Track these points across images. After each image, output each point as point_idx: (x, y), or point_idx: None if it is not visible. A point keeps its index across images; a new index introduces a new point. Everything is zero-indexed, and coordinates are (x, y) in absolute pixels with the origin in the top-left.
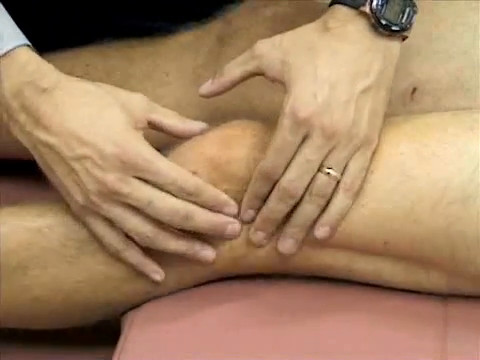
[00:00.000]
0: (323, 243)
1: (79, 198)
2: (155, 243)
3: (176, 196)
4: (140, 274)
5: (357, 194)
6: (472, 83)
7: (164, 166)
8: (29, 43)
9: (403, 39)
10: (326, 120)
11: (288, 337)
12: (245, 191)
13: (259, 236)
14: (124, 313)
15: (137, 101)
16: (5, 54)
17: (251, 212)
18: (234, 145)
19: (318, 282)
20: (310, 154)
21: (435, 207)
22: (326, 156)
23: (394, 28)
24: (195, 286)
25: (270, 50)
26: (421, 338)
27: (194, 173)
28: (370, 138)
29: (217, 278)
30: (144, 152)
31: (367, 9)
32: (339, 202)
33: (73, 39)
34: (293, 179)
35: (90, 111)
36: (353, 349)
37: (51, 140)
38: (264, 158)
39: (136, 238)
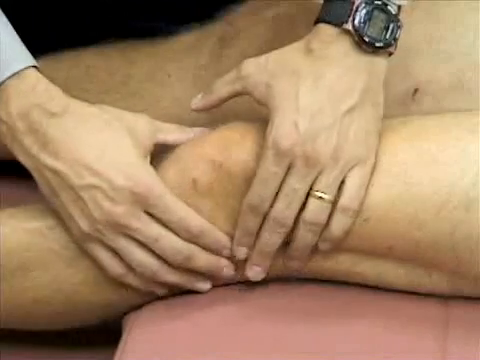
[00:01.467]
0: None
1: (84, 225)
2: (156, 275)
3: (179, 235)
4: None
5: (358, 212)
6: (473, 84)
7: (173, 204)
8: (37, 65)
9: (389, 55)
10: (308, 149)
11: (288, 338)
12: (243, 193)
13: (256, 271)
14: (125, 314)
15: (143, 125)
16: (13, 75)
17: (244, 250)
18: (234, 148)
19: (319, 283)
20: (295, 183)
21: (439, 212)
22: (314, 182)
23: (378, 45)
24: None
25: (256, 71)
26: (422, 339)
27: (194, 180)
28: (361, 157)
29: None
30: (155, 187)
31: (350, 27)
32: (338, 222)
33: (74, 40)
34: (282, 209)
35: (100, 139)
36: (354, 350)
37: (59, 166)
38: (250, 192)
39: (138, 270)
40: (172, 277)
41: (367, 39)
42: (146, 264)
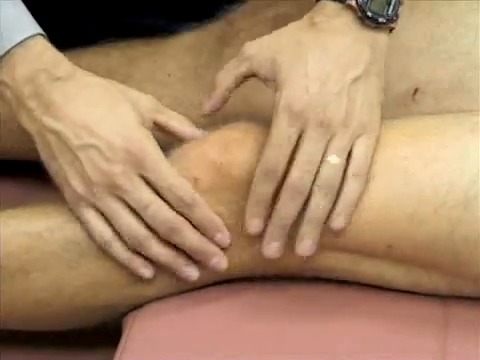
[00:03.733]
0: (326, 246)
1: (79, 188)
2: (143, 245)
3: (172, 206)
4: (141, 279)
5: (366, 180)
6: (473, 84)
7: (169, 170)
8: (44, 33)
9: (390, 30)
10: (320, 112)
11: (288, 337)
12: (244, 194)
13: (273, 247)
14: (125, 314)
15: (146, 101)
16: (21, 42)
17: (257, 221)
18: (235, 148)
19: (318, 283)
20: (310, 147)
21: (438, 211)
22: (326, 147)
23: (380, 20)
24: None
25: (259, 50)
26: (422, 339)
27: (196, 179)
28: (368, 126)
29: (221, 280)
30: (152, 151)
31: (353, 2)
32: (349, 189)
33: (74, 39)
34: (299, 175)
35: (102, 105)
36: (354, 350)
37: (59, 127)
38: (263, 157)
39: (126, 237)
40: (158, 250)
41: (370, 14)
42: (134, 230)
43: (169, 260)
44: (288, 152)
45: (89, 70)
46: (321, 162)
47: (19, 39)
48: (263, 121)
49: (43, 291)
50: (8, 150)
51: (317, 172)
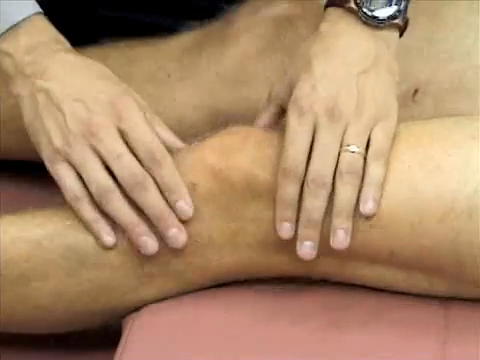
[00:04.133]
0: (326, 252)
1: (56, 141)
2: (107, 199)
3: (142, 157)
4: (141, 284)
5: (387, 162)
6: (473, 84)
7: (146, 125)
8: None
9: (401, 28)
10: (330, 103)
11: (287, 338)
12: (244, 200)
13: (307, 248)
14: (125, 315)
15: (140, 99)
16: (25, 19)
17: (287, 225)
18: (234, 154)
19: (319, 285)
20: (325, 139)
21: (442, 220)
22: (343, 137)
23: (381, 17)
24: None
25: (280, 84)
26: (422, 341)
27: (194, 184)
28: (382, 113)
29: (219, 283)
30: (135, 107)
31: (352, 4)
32: (373, 173)
33: (73, 38)
34: (318, 168)
35: (96, 76)
36: (353, 351)
37: (50, 85)
38: (282, 158)
39: (93, 188)
40: (120, 206)
41: (370, 13)
42: (101, 179)
43: (130, 221)
44: (304, 149)
45: None
46: (340, 153)
47: (26, 15)
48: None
49: (43, 298)
50: (8, 150)
51: (338, 163)
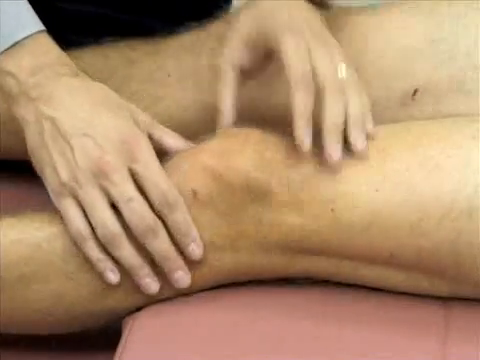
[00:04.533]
0: (325, 252)
1: (64, 174)
2: (114, 242)
3: (153, 199)
4: (140, 287)
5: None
6: (473, 84)
7: (159, 167)
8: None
9: None
10: (308, 32)
11: (288, 338)
12: (243, 203)
13: (336, 150)
14: (125, 316)
15: (143, 115)
16: (28, 36)
17: (306, 140)
18: (234, 157)
19: (319, 285)
20: (320, 52)
21: (442, 221)
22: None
23: None
24: None
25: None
26: (422, 341)
27: (194, 191)
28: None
29: (221, 284)
30: (146, 146)
31: None
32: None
33: (72, 39)
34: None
35: (103, 104)
36: (353, 351)
37: (57, 115)
38: (287, 70)
39: (99, 231)
40: (127, 251)
41: None
42: (108, 224)
43: (135, 265)
44: (306, 58)
45: (88, 70)
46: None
47: (29, 32)
48: (265, 121)
49: (43, 300)
50: (8, 150)
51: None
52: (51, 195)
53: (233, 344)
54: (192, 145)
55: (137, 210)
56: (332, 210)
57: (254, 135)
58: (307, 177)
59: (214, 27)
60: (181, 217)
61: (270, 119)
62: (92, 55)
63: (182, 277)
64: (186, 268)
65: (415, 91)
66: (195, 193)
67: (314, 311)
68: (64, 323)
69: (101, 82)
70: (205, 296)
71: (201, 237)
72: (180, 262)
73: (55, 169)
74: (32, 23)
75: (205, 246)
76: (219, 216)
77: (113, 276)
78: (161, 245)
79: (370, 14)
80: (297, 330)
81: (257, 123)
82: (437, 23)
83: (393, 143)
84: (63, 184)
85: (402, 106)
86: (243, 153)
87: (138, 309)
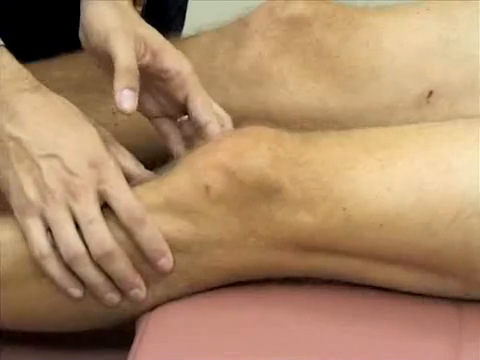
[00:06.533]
0: (336, 251)
1: (32, 194)
2: (76, 260)
3: (120, 217)
4: (152, 283)
5: None
6: None
7: (124, 185)
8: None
9: None
10: None
11: (300, 339)
12: (255, 201)
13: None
14: (139, 315)
15: (103, 130)
16: None
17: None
18: (247, 155)
19: (332, 286)
20: None
21: (453, 221)
22: None
23: None
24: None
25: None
26: (435, 342)
27: (207, 187)
28: None
29: (232, 282)
30: (113, 166)
31: None
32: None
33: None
34: None
35: (67, 119)
36: (365, 352)
37: (23, 136)
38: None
39: (62, 250)
40: (89, 269)
41: None
42: (71, 242)
43: (96, 283)
44: None
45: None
46: None
47: None
48: (275, 121)
49: (55, 295)
50: None
51: None
52: (16, 213)
53: (246, 343)
54: (143, 172)
55: (97, 232)
56: (344, 209)
57: (267, 133)
58: (319, 176)
59: (229, 28)
60: (150, 233)
61: (280, 119)
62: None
63: (136, 293)
64: (142, 284)
65: (430, 93)
66: (208, 189)
67: (325, 310)
68: (76, 321)
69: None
70: (218, 295)
71: (211, 233)
72: (137, 281)
73: (21, 188)
74: None
75: (216, 244)
76: (231, 213)
77: (77, 292)
78: (117, 269)
79: (385, 15)
80: (308, 329)
81: (269, 122)
82: (451, 24)
83: (405, 143)
84: (30, 203)
85: (417, 108)
86: (256, 151)
87: (152, 309)
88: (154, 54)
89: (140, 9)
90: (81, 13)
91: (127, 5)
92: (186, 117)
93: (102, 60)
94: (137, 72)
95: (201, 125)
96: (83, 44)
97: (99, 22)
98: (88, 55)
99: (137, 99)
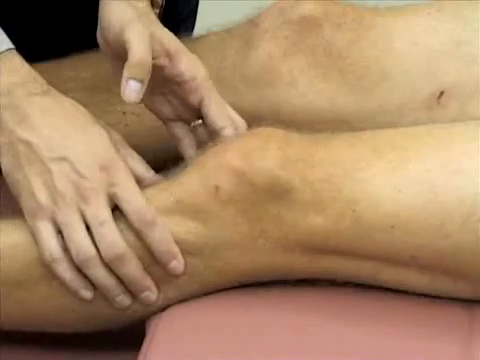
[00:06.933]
0: (347, 253)
1: (42, 198)
2: (87, 263)
3: (131, 220)
4: (163, 284)
5: None
6: None
7: (135, 187)
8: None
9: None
10: None
11: (310, 340)
12: (265, 202)
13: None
14: (149, 316)
15: (114, 133)
16: None
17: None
18: (257, 156)
19: (341, 287)
20: None
21: (464, 223)
22: None
23: None
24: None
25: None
26: (445, 344)
27: (216, 187)
28: None
29: (242, 283)
30: (123, 168)
31: None
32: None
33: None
34: None
35: (77, 122)
36: (374, 354)
37: (32, 138)
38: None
39: (73, 253)
40: (101, 272)
41: None
42: (82, 245)
43: (107, 285)
44: None
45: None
46: None
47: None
48: (286, 122)
49: (66, 297)
50: None
51: None
52: (26, 216)
53: (257, 344)
54: (151, 174)
55: (107, 234)
56: (354, 211)
57: (277, 134)
58: (329, 177)
59: (239, 28)
60: (160, 236)
61: (290, 120)
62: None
63: (148, 295)
64: (153, 286)
65: (440, 94)
66: (217, 189)
67: (336, 312)
68: (88, 321)
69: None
70: (228, 296)
71: (221, 235)
72: (147, 283)
73: (32, 191)
74: (1, 41)
75: (226, 245)
76: (241, 214)
77: (88, 294)
78: (128, 271)
79: (396, 15)
80: (320, 331)
81: (279, 123)
82: (462, 25)
83: (416, 145)
84: (41, 206)
85: (427, 109)
86: (266, 151)
87: (162, 309)
88: (170, 57)
89: (157, 11)
90: (99, 13)
91: (145, 6)
92: (200, 121)
93: (118, 58)
94: (149, 65)
95: (216, 130)
96: (100, 45)
97: (117, 18)
98: (104, 56)
99: (143, 92)
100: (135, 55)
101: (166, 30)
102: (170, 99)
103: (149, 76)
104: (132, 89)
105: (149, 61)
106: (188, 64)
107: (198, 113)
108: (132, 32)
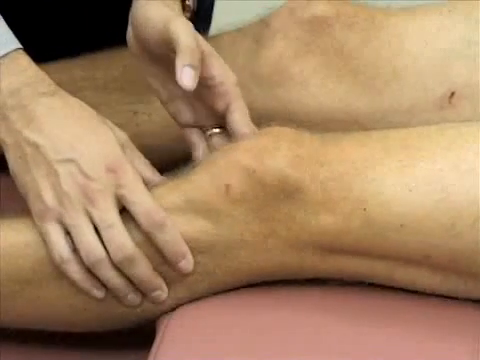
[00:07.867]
0: (360, 253)
1: (50, 200)
2: (97, 265)
3: (139, 221)
4: (173, 283)
5: None
6: None
7: (143, 189)
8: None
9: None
10: None
11: (323, 340)
12: (276, 201)
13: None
14: (159, 316)
15: (120, 132)
16: (5, 55)
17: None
18: (268, 155)
19: (352, 287)
20: None
21: (476, 223)
22: None
23: None
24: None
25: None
26: (456, 345)
27: (227, 186)
28: None
29: (253, 283)
30: (131, 170)
31: None
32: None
33: (111, 39)
34: None
35: (84, 123)
36: (384, 354)
37: (40, 140)
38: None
39: (83, 255)
40: (111, 274)
41: None
42: (92, 247)
43: (118, 286)
44: None
45: (126, 71)
46: None
47: (3, 52)
48: (297, 121)
49: (76, 296)
50: None
51: None
52: (34, 218)
53: (267, 344)
54: (157, 177)
55: (116, 236)
56: (364, 210)
57: (288, 133)
58: (340, 176)
59: (251, 28)
60: (170, 236)
61: (302, 120)
62: (130, 55)
63: (159, 295)
64: (164, 285)
65: (452, 94)
66: (228, 188)
67: (347, 312)
68: (99, 320)
69: (139, 82)
70: (238, 296)
71: (232, 234)
72: (157, 282)
73: (40, 193)
74: (9, 41)
75: (237, 245)
76: (251, 213)
77: (99, 293)
78: (138, 272)
79: (407, 16)
80: (330, 331)
81: (291, 123)
82: (473, 25)
83: (427, 144)
84: (48, 208)
85: (439, 109)
86: (277, 151)
87: (172, 309)
88: (203, 59)
89: (188, 15)
90: (133, 13)
91: (179, 10)
92: (217, 130)
93: (154, 53)
94: (199, 53)
95: (237, 136)
96: (130, 43)
97: (158, 15)
98: (133, 53)
99: (197, 79)
100: (186, 43)
101: (198, 33)
102: (193, 103)
103: (201, 64)
104: (189, 76)
105: (198, 50)
106: (220, 68)
107: (218, 121)
108: (178, 25)
